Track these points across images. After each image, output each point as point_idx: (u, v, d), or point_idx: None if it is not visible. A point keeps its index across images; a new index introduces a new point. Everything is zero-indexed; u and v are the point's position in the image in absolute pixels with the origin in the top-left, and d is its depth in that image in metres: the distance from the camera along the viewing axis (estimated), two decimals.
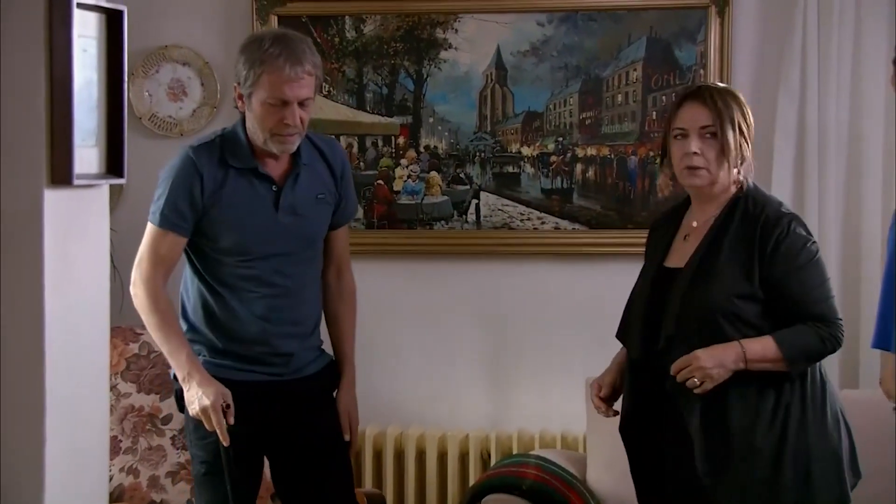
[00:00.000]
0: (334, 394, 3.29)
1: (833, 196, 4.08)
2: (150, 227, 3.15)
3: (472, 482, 4.13)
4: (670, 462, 2.92)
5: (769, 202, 2.98)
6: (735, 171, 2.96)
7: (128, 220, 4.31)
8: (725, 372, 2.82)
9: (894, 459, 2.68)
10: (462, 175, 4.35)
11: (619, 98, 4.28)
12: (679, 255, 3.02)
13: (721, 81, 4.13)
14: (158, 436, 3.95)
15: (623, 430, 3.07)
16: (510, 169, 4.35)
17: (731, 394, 2.84)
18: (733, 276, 2.89)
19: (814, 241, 2.94)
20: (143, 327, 4.02)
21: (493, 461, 4.19)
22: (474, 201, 4.36)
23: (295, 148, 3.13)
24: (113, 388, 3.88)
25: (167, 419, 3.96)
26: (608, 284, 4.30)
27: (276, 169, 3.16)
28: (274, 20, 4.31)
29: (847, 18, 4.05)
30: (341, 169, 3.28)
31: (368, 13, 4.32)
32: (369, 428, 4.26)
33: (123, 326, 4.01)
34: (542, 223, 4.34)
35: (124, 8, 2.83)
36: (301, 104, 3.06)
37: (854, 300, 4.08)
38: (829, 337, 2.86)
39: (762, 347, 2.84)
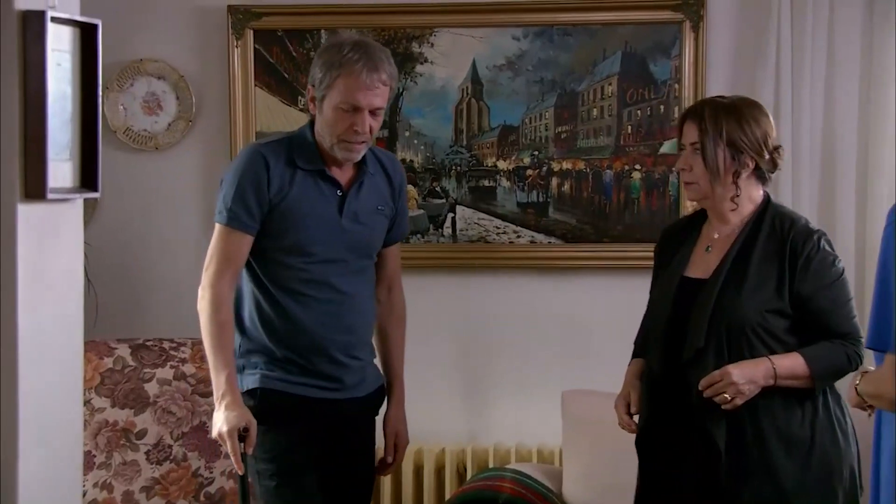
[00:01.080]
0: (377, 417, 3.29)
1: (807, 209, 4.10)
2: (217, 228, 3.12)
3: (448, 496, 4.13)
4: (692, 475, 2.91)
5: (796, 218, 3.00)
6: (731, 184, 2.98)
7: (102, 234, 4.31)
8: (756, 388, 2.84)
9: (871, 464, 2.70)
10: (438, 189, 4.36)
11: (595, 112, 4.29)
12: (702, 266, 3.02)
13: (696, 95, 4.16)
14: (132, 451, 3.93)
15: (640, 443, 3.06)
16: (486, 183, 4.35)
17: (759, 408, 2.86)
18: (764, 291, 2.91)
19: (840, 259, 2.98)
20: (118, 341, 4.04)
21: (469, 475, 4.18)
22: (450, 215, 4.37)
23: (359, 157, 3.14)
24: (87, 402, 3.86)
25: (141, 434, 3.94)
26: (584, 298, 4.32)
27: (341, 175, 3.16)
28: (250, 34, 4.30)
29: (820, 33, 4.08)
30: (399, 184, 3.29)
31: (344, 27, 4.32)
32: None
33: (97, 340, 3.99)
34: (518, 237, 4.35)
35: (99, 22, 2.82)
36: (372, 113, 3.06)
37: None
38: (853, 355, 2.90)
39: (791, 363, 2.86)
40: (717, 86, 4.20)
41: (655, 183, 4.27)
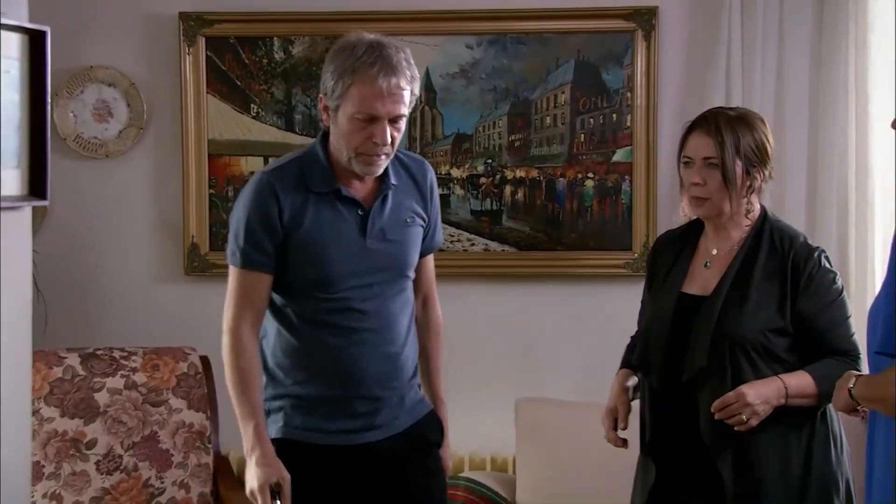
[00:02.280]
0: (439, 449, 3.04)
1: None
2: (231, 270, 2.88)
3: None
4: (696, 493, 2.90)
5: (795, 234, 2.98)
6: (744, 199, 2.94)
7: (51, 242, 4.27)
8: (769, 408, 2.82)
9: (865, 466, 2.73)
10: None
11: (548, 120, 4.30)
12: (701, 283, 2.97)
13: (648, 104, 4.18)
14: (82, 461, 3.89)
15: (648, 458, 3.00)
16: (440, 191, 4.33)
17: (764, 429, 2.84)
18: (766, 309, 2.88)
19: (839, 276, 2.97)
20: (68, 351, 4.00)
21: None
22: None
23: (381, 170, 2.84)
24: (35, 412, 3.81)
25: (91, 444, 3.90)
26: (538, 306, 4.33)
27: (361, 190, 2.88)
28: (202, 41, 4.28)
29: (770, 43, 4.12)
30: (430, 191, 3.01)
31: (297, 35, 4.31)
32: None
33: (46, 350, 3.95)
34: (472, 245, 4.35)
35: (47, 29, 2.79)
36: (393, 121, 2.77)
37: None
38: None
39: (801, 382, 2.85)
40: (669, 94, 4.23)
41: (608, 191, 4.29)
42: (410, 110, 2.83)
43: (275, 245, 2.82)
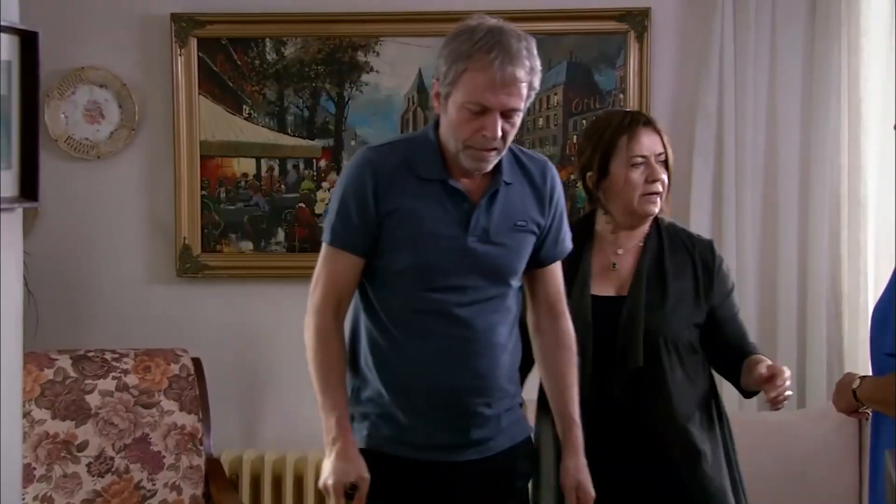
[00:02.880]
0: (529, 482, 2.84)
1: (750, 217, 4.14)
2: (322, 247, 2.71)
3: None
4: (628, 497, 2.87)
5: (683, 228, 3.08)
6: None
7: (43, 244, 4.26)
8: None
9: (869, 467, 2.74)
10: None
11: (541, 122, 4.30)
12: (612, 284, 2.97)
13: (641, 105, 4.18)
14: (74, 463, 3.88)
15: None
16: None
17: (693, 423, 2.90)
18: (686, 304, 2.95)
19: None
20: (59, 353, 3.99)
21: None
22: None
23: (490, 166, 2.63)
24: (26, 414, 3.80)
25: (83, 446, 3.89)
26: None
27: (470, 184, 2.66)
28: (193, 42, 4.27)
29: (763, 44, 4.12)
30: (551, 194, 2.76)
31: (289, 36, 4.30)
32: (290, 453, 4.23)
33: (38, 352, 3.94)
34: None
35: (39, 30, 2.78)
36: (506, 115, 2.56)
37: (771, 324, 4.13)
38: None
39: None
40: (662, 96, 4.23)
41: None
42: (528, 105, 2.62)
43: (367, 226, 2.63)
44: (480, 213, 2.65)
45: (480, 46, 2.52)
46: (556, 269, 2.81)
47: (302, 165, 4.34)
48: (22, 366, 3.01)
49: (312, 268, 4.26)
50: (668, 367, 2.88)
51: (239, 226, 4.34)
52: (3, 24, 2.69)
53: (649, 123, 2.99)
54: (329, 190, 4.33)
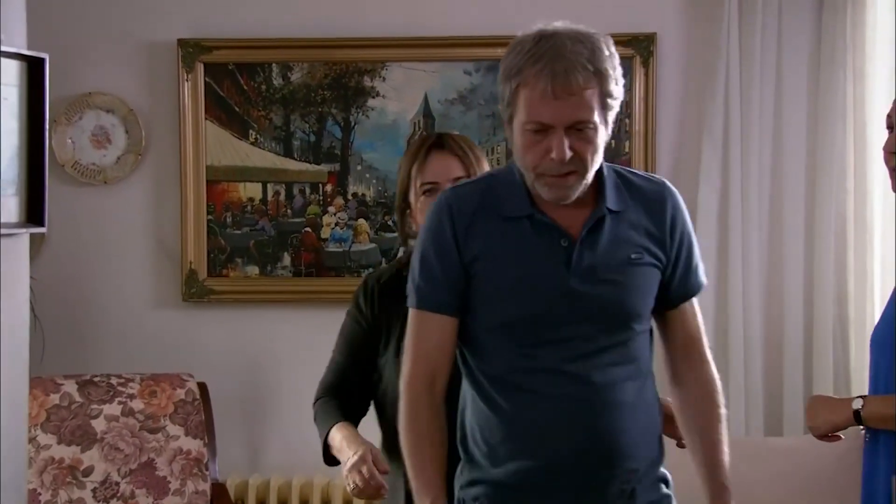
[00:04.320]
0: None
1: (756, 241, 4.14)
2: (409, 313, 2.37)
3: None
4: None
5: None
6: None
7: (49, 269, 4.26)
8: None
9: (862, 489, 2.73)
10: (390, 222, 4.34)
11: None
12: None
13: (646, 130, 4.19)
14: (79, 488, 3.87)
15: None
16: None
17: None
18: None
19: None
20: (65, 378, 3.99)
21: None
22: (402, 249, 4.35)
23: (574, 194, 2.25)
24: (32, 439, 3.80)
25: (88, 471, 3.89)
26: None
27: (568, 216, 2.29)
28: (200, 68, 4.28)
29: (769, 68, 4.13)
30: (672, 220, 2.35)
31: (296, 61, 4.31)
32: (296, 478, 4.22)
33: (44, 377, 3.94)
34: None
35: (46, 56, 2.79)
36: (574, 131, 2.21)
37: (777, 348, 4.12)
38: None
39: None
40: (667, 120, 4.24)
41: None
42: (611, 116, 2.27)
43: (452, 278, 2.30)
44: (584, 248, 2.27)
45: (529, 57, 2.21)
46: (690, 308, 2.40)
47: (308, 190, 4.35)
48: (28, 391, 3.01)
49: (318, 292, 4.34)
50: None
51: (245, 250, 4.34)
52: (9, 49, 2.70)
53: (442, 146, 2.70)
54: (336, 214, 4.33)
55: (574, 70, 2.18)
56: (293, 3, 4.31)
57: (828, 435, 2.78)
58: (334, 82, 4.31)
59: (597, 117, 2.22)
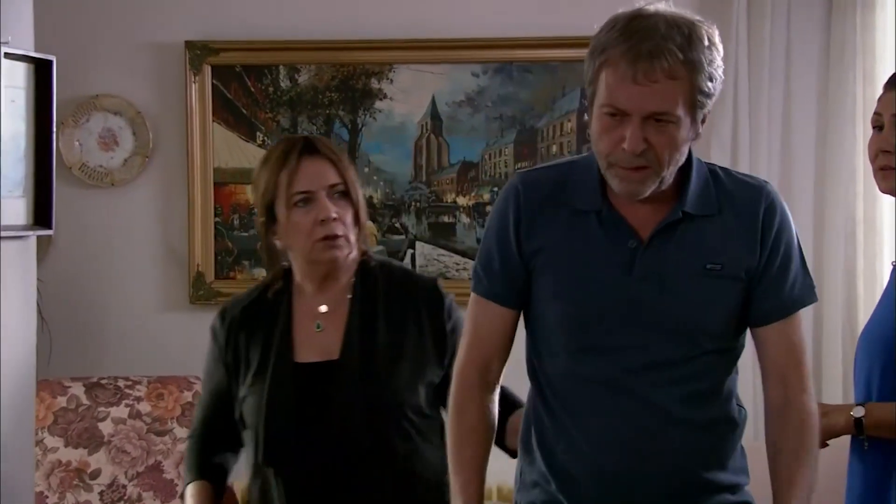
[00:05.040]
0: None
1: None
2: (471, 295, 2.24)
3: None
4: None
5: (401, 266, 2.71)
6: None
7: (56, 271, 4.26)
8: None
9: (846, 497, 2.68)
10: (397, 225, 4.34)
11: (554, 148, 4.29)
12: (318, 347, 2.51)
13: None
14: (86, 491, 3.87)
15: None
16: (446, 219, 4.34)
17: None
18: (414, 361, 2.51)
19: None
20: (72, 380, 3.98)
21: None
22: (410, 251, 4.35)
23: (646, 191, 2.05)
24: (39, 442, 3.80)
25: (95, 474, 3.88)
26: None
27: (642, 215, 2.10)
28: (207, 70, 4.28)
29: (778, 71, 4.11)
30: (766, 227, 2.13)
31: (303, 63, 4.31)
32: None
33: (51, 379, 3.94)
34: None
35: (53, 58, 2.79)
36: (654, 122, 2.00)
37: None
38: None
39: None
40: None
41: None
42: (701, 111, 2.05)
43: (511, 270, 2.15)
44: (652, 251, 2.08)
45: (618, 34, 2.01)
46: (787, 328, 2.15)
47: None
48: (35, 393, 3.01)
49: None
50: (398, 440, 2.46)
51: (252, 253, 4.33)
52: (17, 52, 2.70)
53: (314, 150, 2.51)
54: None
55: (661, 55, 1.97)
56: (300, 5, 4.30)
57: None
58: (342, 84, 4.30)
59: (680, 111, 2.00)
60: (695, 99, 2.01)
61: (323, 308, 2.54)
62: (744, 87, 4.10)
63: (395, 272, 2.61)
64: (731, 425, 2.17)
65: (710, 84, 2.03)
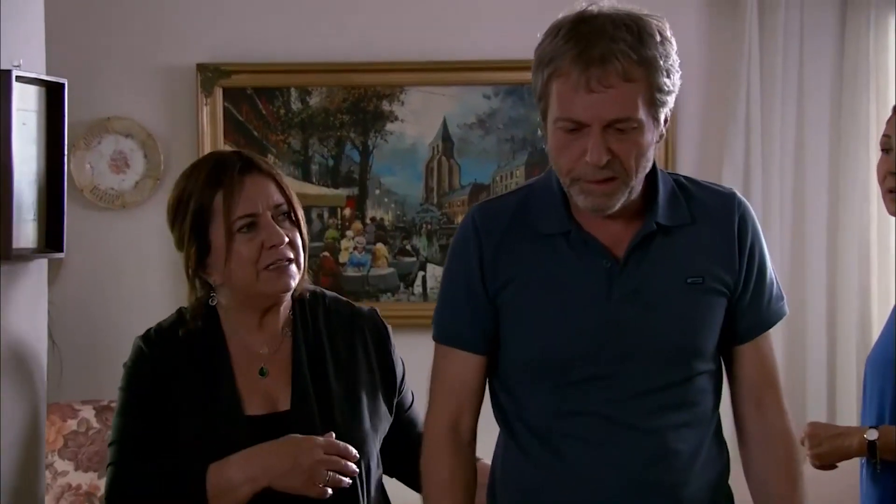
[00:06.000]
0: None
1: (778, 267, 4.05)
2: (434, 343, 2.11)
3: None
4: None
5: (335, 296, 2.37)
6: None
7: (67, 294, 4.25)
8: None
9: None
10: (408, 247, 4.33)
11: None
12: (264, 397, 2.22)
13: (666, 154, 4.16)
14: None
15: None
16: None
17: None
18: (372, 408, 2.28)
19: None
20: (82, 403, 3.97)
21: None
22: (421, 273, 4.34)
23: (615, 204, 1.92)
24: (49, 466, 3.78)
25: None
26: None
27: (613, 233, 1.97)
28: (219, 92, 4.28)
29: (790, 93, 4.11)
30: (741, 237, 2.02)
31: (314, 85, 4.31)
32: None
33: (61, 403, 3.93)
34: None
35: (65, 81, 2.79)
36: (614, 129, 1.87)
37: (800, 373, 4.08)
38: None
39: None
40: (688, 144, 4.21)
41: None
42: (662, 109, 1.94)
43: (475, 311, 2.01)
44: (630, 269, 1.95)
45: (564, 42, 1.87)
46: (764, 344, 2.06)
47: (326, 214, 4.34)
48: (45, 416, 3.00)
49: None
50: (360, 490, 2.22)
51: None
52: (29, 75, 2.69)
53: (253, 167, 2.22)
54: (354, 238, 4.32)
55: (612, 58, 1.85)
56: (312, 27, 4.31)
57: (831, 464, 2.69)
58: (353, 106, 4.30)
59: (642, 114, 1.89)
60: (654, 98, 1.91)
61: (264, 350, 2.25)
62: (756, 109, 4.09)
63: (331, 302, 2.32)
64: (724, 455, 2.07)
65: (667, 81, 1.93)
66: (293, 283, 2.21)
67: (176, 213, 2.32)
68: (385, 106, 4.30)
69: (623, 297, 1.95)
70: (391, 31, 4.28)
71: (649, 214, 1.98)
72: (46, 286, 2.94)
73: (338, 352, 2.27)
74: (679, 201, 2.01)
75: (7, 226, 2.65)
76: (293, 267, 2.20)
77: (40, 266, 2.89)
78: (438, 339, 2.09)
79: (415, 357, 4.29)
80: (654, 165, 2.01)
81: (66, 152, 2.85)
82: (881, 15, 4.03)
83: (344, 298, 2.35)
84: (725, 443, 2.09)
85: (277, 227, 2.20)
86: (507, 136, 4.28)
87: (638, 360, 1.95)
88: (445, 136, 4.30)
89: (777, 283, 2.09)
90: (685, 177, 2.10)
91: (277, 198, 2.21)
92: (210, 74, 4.29)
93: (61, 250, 2.88)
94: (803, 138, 4.13)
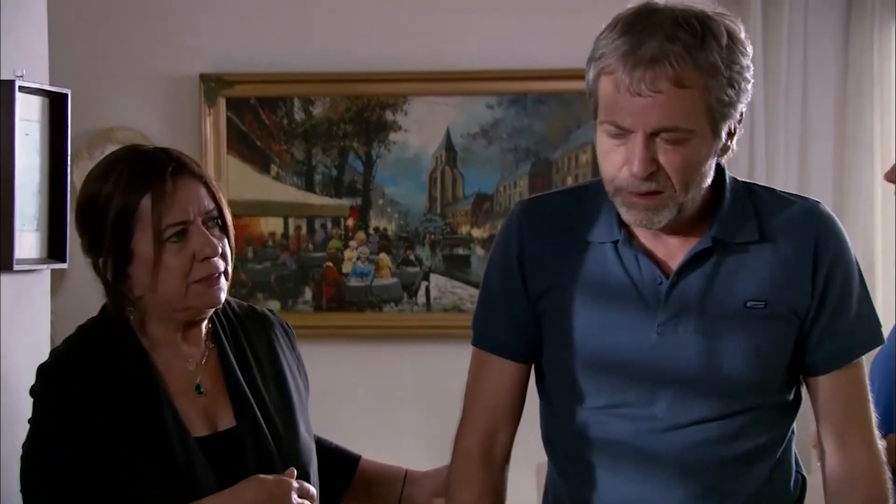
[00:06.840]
0: None
1: None
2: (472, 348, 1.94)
3: None
4: None
5: (240, 302, 2.16)
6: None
7: (70, 304, 4.23)
8: None
9: None
10: (412, 257, 4.33)
11: (569, 180, 4.28)
12: (205, 416, 2.00)
13: None
14: None
15: None
16: (460, 251, 4.32)
17: None
18: (303, 411, 2.11)
19: None
20: None
21: None
22: (424, 283, 4.33)
23: (661, 220, 1.73)
24: None
25: None
26: None
27: (668, 246, 1.79)
28: (222, 102, 4.28)
29: (795, 101, 4.11)
30: (817, 254, 1.80)
31: (317, 95, 4.31)
32: None
33: None
34: None
35: (68, 91, 2.79)
36: (662, 138, 1.69)
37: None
38: None
39: None
40: None
41: None
42: (725, 122, 1.72)
43: (514, 315, 1.86)
44: (684, 288, 1.77)
45: (616, 36, 1.69)
46: (845, 379, 1.83)
47: (330, 224, 4.33)
48: None
49: (339, 327, 4.32)
50: None
51: (266, 285, 4.32)
52: (32, 85, 2.69)
53: (184, 169, 1.97)
54: (357, 249, 4.31)
55: (664, 60, 1.65)
56: (315, 37, 4.31)
57: None
58: (356, 116, 4.30)
59: (695, 125, 1.68)
60: (712, 109, 1.69)
61: (191, 366, 2.03)
62: (760, 118, 4.10)
63: (237, 307, 2.12)
64: (782, 496, 1.86)
65: (730, 91, 1.69)
66: (223, 297, 1.99)
67: (88, 216, 2.07)
68: (388, 116, 4.30)
69: (671, 319, 1.77)
70: (394, 41, 4.29)
71: (713, 225, 1.79)
72: (49, 296, 2.93)
73: (260, 360, 2.06)
74: (748, 215, 1.81)
75: (9, 236, 2.64)
76: (223, 280, 1.99)
77: (43, 276, 2.88)
78: (476, 343, 1.94)
79: (418, 368, 4.31)
80: (723, 172, 1.83)
81: (69, 162, 2.85)
82: (885, 24, 4.04)
83: (244, 302, 2.16)
84: (789, 489, 1.88)
85: (206, 236, 1.96)
86: (510, 145, 4.28)
87: (681, 388, 1.77)
88: (449, 145, 4.30)
89: (870, 308, 1.86)
90: (763, 186, 1.89)
91: (208, 203, 1.97)
92: (213, 84, 4.29)
93: (64, 260, 2.87)
94: (807, 146, 4.13)
